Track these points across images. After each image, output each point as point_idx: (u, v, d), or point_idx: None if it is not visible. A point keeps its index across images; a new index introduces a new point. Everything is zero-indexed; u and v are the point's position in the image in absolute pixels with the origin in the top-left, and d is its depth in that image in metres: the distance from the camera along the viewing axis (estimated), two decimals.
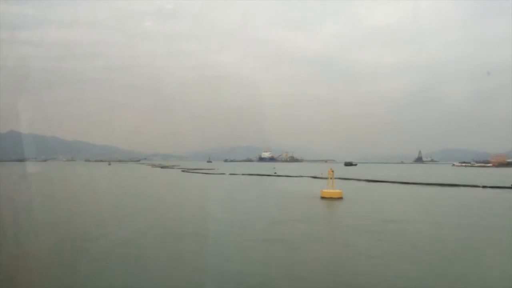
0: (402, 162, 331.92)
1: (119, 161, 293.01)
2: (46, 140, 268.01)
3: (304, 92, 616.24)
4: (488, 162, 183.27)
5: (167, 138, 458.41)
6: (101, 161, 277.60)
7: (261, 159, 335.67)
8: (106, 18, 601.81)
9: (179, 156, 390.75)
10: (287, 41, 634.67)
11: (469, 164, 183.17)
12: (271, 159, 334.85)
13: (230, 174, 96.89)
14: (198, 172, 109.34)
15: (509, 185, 54.01)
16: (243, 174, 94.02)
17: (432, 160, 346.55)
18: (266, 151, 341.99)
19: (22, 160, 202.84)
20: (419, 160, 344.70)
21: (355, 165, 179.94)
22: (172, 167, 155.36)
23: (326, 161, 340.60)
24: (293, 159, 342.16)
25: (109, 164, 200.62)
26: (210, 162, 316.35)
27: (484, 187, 53.62)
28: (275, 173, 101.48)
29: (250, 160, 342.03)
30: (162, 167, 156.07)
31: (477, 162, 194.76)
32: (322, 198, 37.41)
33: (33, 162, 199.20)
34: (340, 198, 37.33)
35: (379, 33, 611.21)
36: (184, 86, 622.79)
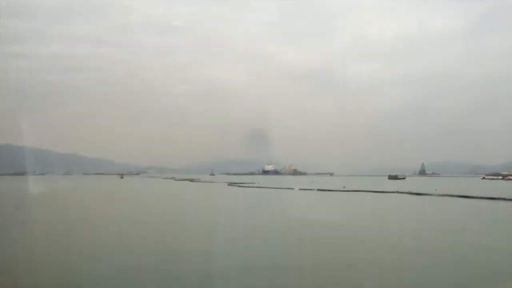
0: (404, 175, 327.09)
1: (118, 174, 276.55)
2: (41, 153, 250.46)
3: (305, 105, 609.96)
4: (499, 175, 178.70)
5: (163, 151, 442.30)
6: (101, 174, 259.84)
7: (265, 172, 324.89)
8: (102, 32, 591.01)
9: (175, 169, 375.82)
10: (287, 54, 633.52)
11: (500, 177, 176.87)
12: (275, 172, 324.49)
13: (300, 189, 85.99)
14: (250, 187, 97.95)
15: None
16: (317, 190, 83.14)
17: (433, 173, 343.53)
18: (269, 164, 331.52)
19: (19, 173, 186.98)
20: (422, 172, 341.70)
21: (403, 178, 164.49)
22: (198, 180, 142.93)
23: (331, 174, 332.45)
24: (296, 172, 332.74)
25: (122, 178, 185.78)
26: (213, 175, 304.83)
27: None
28: (344, 187, 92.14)
29: (252, 173, 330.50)
30: (191, 180, 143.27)
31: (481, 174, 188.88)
32: None
33: (33, 176, 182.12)
34: None
35: (380, 47, 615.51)
36: (184, 100, 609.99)
